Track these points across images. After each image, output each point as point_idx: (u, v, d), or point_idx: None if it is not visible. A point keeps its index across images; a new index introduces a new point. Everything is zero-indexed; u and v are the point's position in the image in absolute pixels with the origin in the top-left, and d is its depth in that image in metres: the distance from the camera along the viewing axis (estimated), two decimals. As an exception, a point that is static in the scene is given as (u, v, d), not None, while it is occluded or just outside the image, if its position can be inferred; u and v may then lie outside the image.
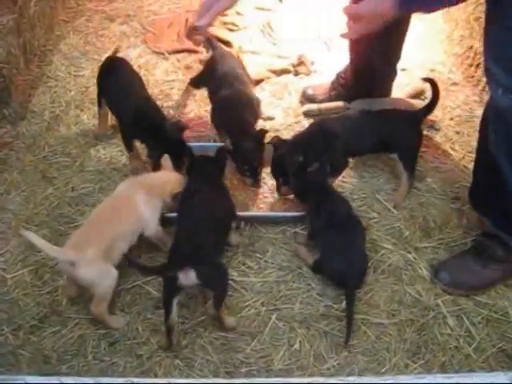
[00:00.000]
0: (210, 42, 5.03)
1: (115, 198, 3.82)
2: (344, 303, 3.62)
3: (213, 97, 4.62)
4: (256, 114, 4.50)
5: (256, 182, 4.29)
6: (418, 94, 5.06)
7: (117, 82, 4.51)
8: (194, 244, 3.37)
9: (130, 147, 4.42)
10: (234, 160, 4.25)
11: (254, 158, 4.22)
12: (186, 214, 3.69)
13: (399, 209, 4.23)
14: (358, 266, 3.75)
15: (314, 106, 4.95)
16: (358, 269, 3.75)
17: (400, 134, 4.22)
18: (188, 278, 3.24)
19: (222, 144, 4.28)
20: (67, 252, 3.41)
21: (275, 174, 4.21)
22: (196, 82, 5.00)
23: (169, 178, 3.94)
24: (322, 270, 3.81)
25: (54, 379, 1.83)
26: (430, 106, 4.32)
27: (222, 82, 4.50)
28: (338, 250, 3.73)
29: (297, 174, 4.09)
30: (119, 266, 3.59)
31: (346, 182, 4.43)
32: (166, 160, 4.04)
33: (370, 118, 4.30)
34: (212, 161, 4.04)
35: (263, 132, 4.28)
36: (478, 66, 5.19)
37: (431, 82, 4.33)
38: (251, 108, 4.46)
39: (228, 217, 3.87)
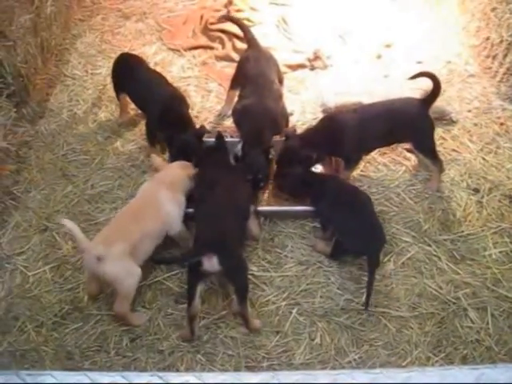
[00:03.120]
0: (249, 40, 4.89)
1: (141, 198, 3.86)
2: (364, 296, 3.63)
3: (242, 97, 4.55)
4: (275, 128, 4.37)
5: (257, 189, 4.22)
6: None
7: (139, 76, 4.58)
8: (216, 230, 3.43)
9: (153, 142, 4.50)
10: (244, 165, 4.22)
11: (258, 171, 4.14)
12: (206, 200, 3.72)
13: (418, 201, 4.22)
14: (375, 229, 3.80)
15: (330, 102, 4.94)
16: (376, 233, 3.79)
17: (411, 123, 4.20)
18: (211, 263, 3.29)
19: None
20: (96, 246, 3.44)
21: (279, 163, 4.21)
22: (232, 85, 4.83)
23: (179, 169, 3.99)
24: (342, 251, 3.85)
25: (81, 375, 1.84)
26: (434, 93, 4.23)
27: (252, 90, 4.44)
28: (351, 222, 3.77)
29: (283, 174, 4.16)
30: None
31: (363, 176, 4.43)
32: (155, 159, 4.13)
33: (379, 110, 4.28)
34: (216, 148, 4.12)
35: (269, 148, 4.23)
36: (494, 57, 5.17)
37: (427, 74, 4.25)
38: (269, 121, 4.33)
39: (247, 202, 3.91)
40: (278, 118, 4.40)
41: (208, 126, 4.70)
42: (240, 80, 4.66)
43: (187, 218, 3.93)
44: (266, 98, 4.37)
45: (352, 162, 4.30)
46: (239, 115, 4.43)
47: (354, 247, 3.79)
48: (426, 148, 4.29)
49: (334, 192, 3.97)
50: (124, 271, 3.46)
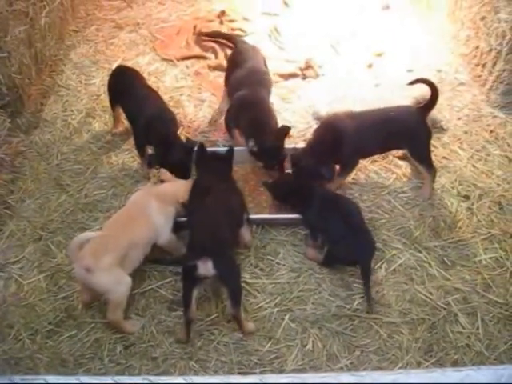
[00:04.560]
0: (230, 38, 4.99)
1: (129, 208, 3.89)
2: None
3: (232, 91, 4.64)
4: (274, 116, 4.50)
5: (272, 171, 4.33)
6: (424, 99, 5.05)
7: (133, 90, 4.60)
8: (211, 236, 3.46)
9: (142, 153, 4.51)
10: (261, 158, 4.29)
11: (280, 154, 4.26)
12: (200, 207, 3.74)
13: (409, 208, 4.26)
14: (364, 236, 3.83)
15: (322, 111, 4.99)
16: (366, 239, 3.82)
17: (408, 130, 4.25)
18: (206, 267, 3.33)
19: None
20: (84, 258, 3.47)
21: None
22: (227, 82, 4.95)
23: (180, 187, 4.00)
24: (333, 260, 3.88)
25: (72, 379, 1.87)
26: (433, 100, 4.28)
27: (245, 77, 4.56)
28: (340, 232, 3.80)
29: (273, 182, 4.22)
30: (133, 271, 3.68)
31: (354, 183, 4.47)
32: (165, 173, 4.14)
33: (377, 116, 4.33)
34: (221, 158, 4.11)
35: (286, 129, 4.31)
36: (484, 65, 5.23)
37: (426, 82, 4.32)
38: (269, 110, 4.49)
39: (240, 210, 3.95)
40: (271, 107, 4.54)
41: (200, 136, 4.77)
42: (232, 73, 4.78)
43: (179, 227, 3.97)
44: (259, 87, 4.51)
45: (348, 167, 4.35)
46: (235, 109, 4.51)
47: (344, 256, 3.82)
48: (421, 155, 4.33)
49: (320, 201, 4.00)
50: (113, 281, 3.50)
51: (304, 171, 4.17)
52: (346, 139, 4.14)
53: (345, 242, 3.76)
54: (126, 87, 4.65)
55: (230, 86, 4.73)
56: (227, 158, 4.10)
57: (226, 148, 4.23)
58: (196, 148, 4.14)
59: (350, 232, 3.79)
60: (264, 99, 4.52)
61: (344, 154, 4.20)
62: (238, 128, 4.53)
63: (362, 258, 3.77)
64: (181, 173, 4.18)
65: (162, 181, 4.17)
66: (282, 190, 4.17)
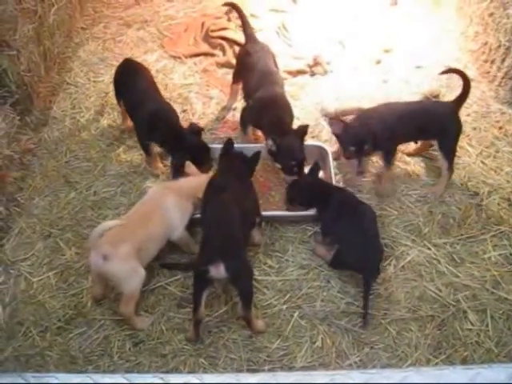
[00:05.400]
0: (247, 33, 4.99)
1: (147, 202, 3.91)
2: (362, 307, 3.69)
3: (250, 93, 4.62)
4: (292, 115, 4.51)
5: (292, 175, 4.27)
6: (434, 96, 5.08)
7: (134, 85, 4.59)
8: (225, 238, 3.44)
9: (147, 151, 4.52)
10: (280, 159, 4.26)
11: (300, 154, 4.24)
12: (215, 206, 3.70)
13: (418, 205, 4.25)
14: (373, 251, 3.79)
15: (330, 108, 4.99)
16: (374, 254, 3.79)
17: (441, 122, 4.27)
18: (218, 270, 3.33)
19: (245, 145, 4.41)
20: (102, 246, 3.50)
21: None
22: (235, 78, 4.98)
23: (198, 182, 4.01)
24: (341, 264, 3.87)
25: (84, 376, 1.88)
26: (463, 96, 4.32)
27: (259, 79, 4.55)
28: (353, 239, 3.78)
29: (291, 184, 4.19)
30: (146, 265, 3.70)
31: (364, 180, 4.46)
32: (189, 166, 4.16)
33: (414, 106, 4.37)
34: (245, 159, 4.08)
35: (305, 128, 4.32)
36: (493, 61, 5.21)
37: (459, 72, 4.39)
38: (289, 109, 4.49)
39: (253, 213, 3.94)
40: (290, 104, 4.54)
41: (208, 133, 4.78)
42: (242, 73, 4.80)
43: (192, 224, 3.99)
44: (276, 87, 4.51)
45: (390, 154, 4.33)
46: (255, 112, 4.49)
47: (352, 263, 3.80)
48: (448, 150, 4.33)
49: (338, 203, 3.97)
50: (129, 271, 3.52)
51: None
52: (385, 128, 4.13)
53: (356, 250, 3.73)
54: (127, 81, 4.65)
55: (245, 88, 4.73)
56: (253, 159, 4.06)
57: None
58: (223, 143, 4.12)
59: (363, 242, 3.75)
60: (287, 100, 4.54)
61: (385, 141, 4.19)
62: (257, 128, 4.60)
63: (368, 270, 3.74)
64: (202, 158, 4.22)
65: (174, 176, 4.20)
66: (301, 193, 4.13)
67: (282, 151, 4.22)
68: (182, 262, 3.96)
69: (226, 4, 5.63)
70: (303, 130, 4.30)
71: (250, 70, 4.64)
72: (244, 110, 4.70)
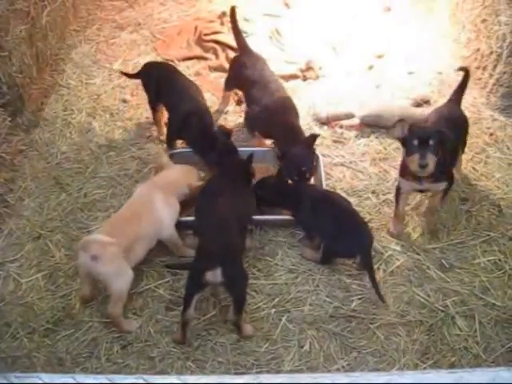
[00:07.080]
0: (241, 44, 4.98)
1: (135, 201, 3.91)
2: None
3: (254, 100, 4.61)
4: (298, 118, 4.54)
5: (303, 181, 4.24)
6: (424, 101, 5.10)
7: (177, 84, 4.65)
8: (222, 243, 3.44)
9: (171, 145, 4.62)
10: (284, 165, 4.23)
11: (306, 163, 4.20)
12: (212, 210, 3.71)
13: (407, 210, 4.25)
14: (361, 228, 3.84)
15: (322, 112, 4.99)
16: (363, 232, 3.83)
17: (462, 124, 4.33)
18: (215, 275, 3.33)
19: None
20: (91, 245, 3.49)
21: None
22: (228, 86, 4.99)
23: (180, 173, 4.06)
24: (331, 255, 3.89)
25: (67, 377, 1.87)
26: (462, 87, 4.43)
27: (261, 85, 4.57)
28: (336, 226, 3.81)
29: (258, 184, 4.19)
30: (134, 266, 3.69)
31: (354, 185, 4.48)
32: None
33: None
34: (245, 165, 4.11)
35: (314, 137, 4.30)
36: (484, 68, 5.23)
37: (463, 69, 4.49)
38: (296, 113, 4.53)
39: (248, 219, 3.95)
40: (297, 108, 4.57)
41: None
42: (237, 82, 4.84)
43: (183, 227, 4.00)
44: (281, 93, 4.55)
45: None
46: (265, 117, 4.48)
47: (342, 250, 3.84)
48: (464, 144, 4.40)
49: (310, 199, 3.98)
50: (118, 271, 3.52)
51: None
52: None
53: (341, 235, 3.77)
54: (169, 82, 4.68)
55: (248, 97, 4.71)
56: (247, 163, 4.10)
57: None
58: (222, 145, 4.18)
59: (345, 225, 3.81)
60: (294, 104, 4.57)
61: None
62: (264, 134, 4.62)
63: (361, 249, 3.77)
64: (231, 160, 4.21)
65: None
66: (269, 192, 4.13)
67: (287, 165, 4.19)
68: (187, 262, 3.88)
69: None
70: (312, 139, 4.27)
71: (249, 81, 4.63)
72: (249, 115, 4.69)
